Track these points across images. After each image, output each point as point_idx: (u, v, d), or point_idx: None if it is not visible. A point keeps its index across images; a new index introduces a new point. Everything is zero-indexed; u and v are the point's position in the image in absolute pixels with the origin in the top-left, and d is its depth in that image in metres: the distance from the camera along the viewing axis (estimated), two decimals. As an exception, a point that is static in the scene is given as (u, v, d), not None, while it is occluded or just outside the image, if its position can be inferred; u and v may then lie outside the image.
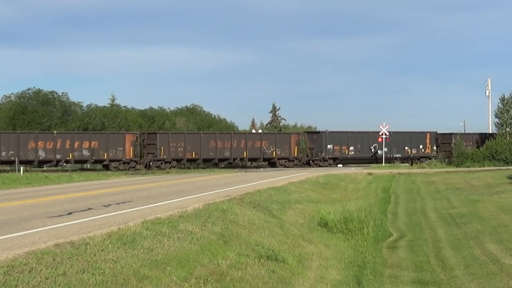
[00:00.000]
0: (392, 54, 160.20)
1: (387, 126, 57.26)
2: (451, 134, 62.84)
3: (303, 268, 14.48)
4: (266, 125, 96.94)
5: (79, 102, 76.86)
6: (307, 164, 57.39)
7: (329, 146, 57.90)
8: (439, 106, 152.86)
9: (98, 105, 77.88)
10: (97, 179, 37.24)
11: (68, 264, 10.05)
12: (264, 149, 56.01)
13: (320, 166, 56.05)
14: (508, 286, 13.30)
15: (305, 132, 64.51)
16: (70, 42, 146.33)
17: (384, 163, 56.88)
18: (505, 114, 60.62)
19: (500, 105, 61.59)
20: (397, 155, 59.81)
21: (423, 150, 60.85)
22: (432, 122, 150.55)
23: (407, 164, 58.72)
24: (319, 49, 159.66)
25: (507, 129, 60.20)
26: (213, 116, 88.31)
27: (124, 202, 20.01)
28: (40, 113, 70.27)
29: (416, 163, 58.56)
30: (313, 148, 58.18)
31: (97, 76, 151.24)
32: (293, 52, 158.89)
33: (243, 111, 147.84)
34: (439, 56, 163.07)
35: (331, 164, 57.18)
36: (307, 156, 58.04)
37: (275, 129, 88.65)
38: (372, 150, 58.93)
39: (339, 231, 19.83)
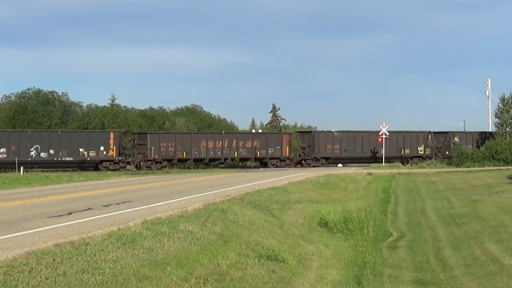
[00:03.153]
0: (392, 54, 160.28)
1: (387, 126, 57.31)
2: (145, 133, 54.86)
3: (303, 268, 14.48)
4: (266, 125, 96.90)
5: (79, 102, 76.88)
6: None
7: None
8: (439, 106, 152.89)
9: (98, 105, 77.95)
10: (97, 179, 37.23)
11: (68, 264, 10.04)
12: None
13: None
14: (508, 286, 13.30)
15: None
16: (70, 42, 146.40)
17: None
18: (505, 114, 60.63)
19: (500, 105, 61.61)
20: (68, 159, 50.80)
21: (104, 153, 51.70)
22: (432, 122, 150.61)
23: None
24: (319, 49, 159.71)
25: (507, 129, 60.22)
26: (213, 116, 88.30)
27: (124, 202, 20.00)
28: (40, 113, 70.26)
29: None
30: None
31: (97, 76, 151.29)
32: (293, 52, 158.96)
33: (243, 111, 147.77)
34: (439, 56, 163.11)
35: None
36: None
37: (275, 129, 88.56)
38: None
39: (339, 231, 19.82)
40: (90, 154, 51.31)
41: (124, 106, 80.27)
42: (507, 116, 60.56)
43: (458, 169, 50.88)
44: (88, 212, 17.12)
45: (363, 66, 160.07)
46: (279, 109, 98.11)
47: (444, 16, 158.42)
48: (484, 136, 62.09)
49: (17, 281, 8.94)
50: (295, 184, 31.49)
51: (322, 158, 57.57)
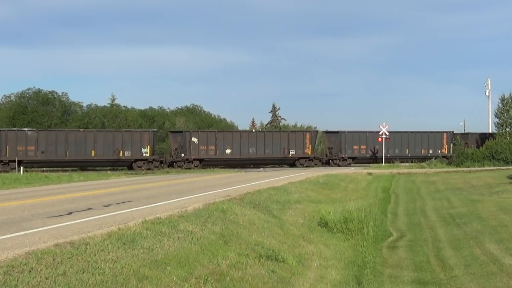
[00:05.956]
0: (392, 54, 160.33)
1: (387, 126, 57.30)
2: None
3: (303, 268, 14.48)
4: (266, 125, 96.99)
5: (79, 102, 77.19)
6: None
7: None
8: (439, 106, 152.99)
9: (98, 105, 78.08)
10: (97, 179, 37.24)
11: (68, 264, 10.04)
12: None
13: None
14: (508, 286, 13.30)
15: None
16: (70, 42, 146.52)
17: None
18: (505, 114, 60.70)
19: (500, 105, 61.71)
20: None
21: None
22: (432, 122, 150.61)
23: None
24: (319, 49, 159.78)
25: (507, 129, 60.24)
26: (213, 116, 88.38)
27: (124, 202, 20.00)
28: (40, 113, 70.36)
29: None
30: None
31: (97, 76, 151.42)
32: (293, 52, 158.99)
33: (243, 111, 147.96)
34: (439, 56, 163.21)
35: None
36: None
37: (275, 129, 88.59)
38: None
39: (339, 231, 19.82)
40: None
41: (124, 106, 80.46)
42: (507, 116, 60.61)
43: (458, 169, 50.87)
44: (88, 212, 17.12)
45: (363, 66, 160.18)
46: (279, 109, 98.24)
47: (444, 16, 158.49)
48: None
49: (17, 281, 8.94)
50: (295, 184, 31.48)
51: (11, 161, 48.38)
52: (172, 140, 55.67)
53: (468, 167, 51.97)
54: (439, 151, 60.88)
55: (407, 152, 59.83)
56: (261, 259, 13.56)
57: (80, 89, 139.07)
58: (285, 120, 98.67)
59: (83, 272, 9.79)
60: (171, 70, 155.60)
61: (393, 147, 60.11)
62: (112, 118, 73.35)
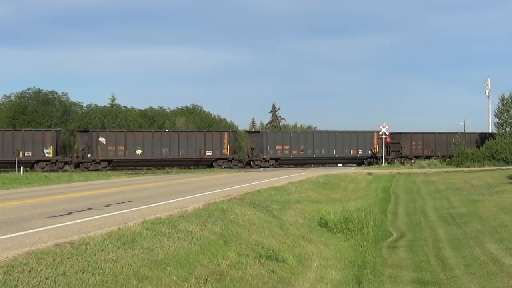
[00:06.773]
0: (392, 53, 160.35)
1: (387, 126, 57.29)
2: None
3: (303, 268, 14.47)
4: (266, 125, 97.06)
5: (79, 102, 77.11)
6: None
7: None
8: (439, 106, 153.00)
9: (98, 105, 78.02)
10: (97, 179, 37.24)
11: (68, 264, 10.03)
12: None
13: None
14: (508, 286, 13.29)
15: None
16: (70, 42, 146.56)
17: None
18: (505, 114, 60.71)
19: (500, 105, 61.70)
20: None
21: None
22: (432, 122, 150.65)
23: None
24: (319, 49, 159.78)
25: (507, 129, 60.25)
26: (212, 116, 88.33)
27: (124, 202, 19.99)
28: (40, 113, 70.33)
29: None
30: None
31: (97, 76, 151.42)
32: (293, 52, 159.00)
33: (243, 111, 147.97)
34: (439, 56, 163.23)
35: None
36: None
37: (275, 129, 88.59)
38: None
39: (339, 231, 19.81)
40: None
41: (124, 106, 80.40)
42: (507, 116, 60.61)
43: (458, 169, 50.92)
44: (88, 212, 17.11)
45: (363, 66, 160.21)
46: (279, 109, 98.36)
47: (444, 16, 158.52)
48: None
49: (17, 281, 8.93)
50: (295, 184, 31.48)
51: None
52: (79, 140, 52.77)
53: (468, 167, 52.02)
54: (369, 152, 58.91)
55: (334, 153, 57.74)
56: (261, 259, 13.54)
57: (80, 89, 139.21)
58: (285, 120, 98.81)
59: (83, 272, 9.78)
60: (171, 70, 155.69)
61: (320, 147, 57.93)
62: (112, 118, 73.33)
